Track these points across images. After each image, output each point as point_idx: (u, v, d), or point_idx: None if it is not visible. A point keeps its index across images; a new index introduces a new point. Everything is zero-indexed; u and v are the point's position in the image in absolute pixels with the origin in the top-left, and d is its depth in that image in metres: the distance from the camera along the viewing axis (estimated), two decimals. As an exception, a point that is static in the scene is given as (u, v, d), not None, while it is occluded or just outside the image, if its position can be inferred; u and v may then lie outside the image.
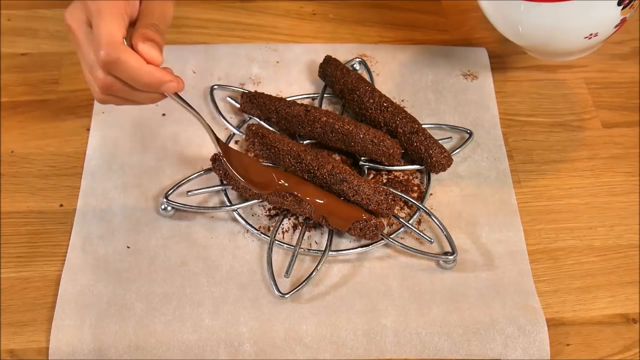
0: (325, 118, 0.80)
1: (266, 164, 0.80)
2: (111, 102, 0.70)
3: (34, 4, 0.97)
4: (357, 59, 0.91)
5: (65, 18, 0.68)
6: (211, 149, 0.83)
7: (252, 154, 0.82)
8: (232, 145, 0.84)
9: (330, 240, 0.76)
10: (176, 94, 0.69)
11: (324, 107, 0.87)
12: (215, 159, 0.78)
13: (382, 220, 0.76)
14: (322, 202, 0.75)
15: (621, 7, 0.75)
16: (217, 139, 0.75)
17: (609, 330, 0.73)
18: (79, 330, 0.70)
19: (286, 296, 0.72)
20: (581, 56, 0.85)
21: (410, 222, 0.77)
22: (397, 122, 0.81)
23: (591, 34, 0.77)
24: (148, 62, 0.65)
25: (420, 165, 0.81)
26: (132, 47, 0.66)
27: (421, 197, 0.80)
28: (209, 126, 0.74)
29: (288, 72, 0.91)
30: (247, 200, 0.78)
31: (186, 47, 0.93)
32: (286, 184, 0.76)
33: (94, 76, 0.67)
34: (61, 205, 0.79)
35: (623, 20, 0.77)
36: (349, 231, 0.75)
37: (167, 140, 0.84)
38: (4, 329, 0.71)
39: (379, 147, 0.79)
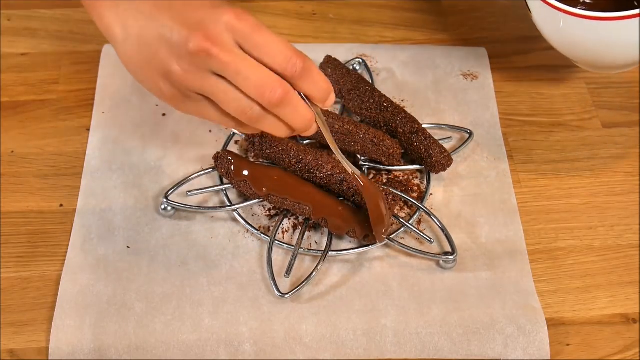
0: (325, 118, 0.80)
1: (265, 163, 0.80)
2: (247, 130, 0.67)
3: (34, 4, 0.97)
4: (357, 59, 0.91)
5: (200, 45, 0.60)
6: (212, 147, 0.83)
7: (252, 154, 0.82)
8: (232, 145, 0.84)
9: (330, 240, 0.76)
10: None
11: (324, 107, 0.87)
12: (217, 157, 0.79)
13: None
14: (323, 203, 0.75)
15: None
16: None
17: (609, 330, 0.73)
18: (79, 330, 0.70)
19: (286, 296, 0.72)
20: (628, 69, 0.85)
21: (410, 222, 0.77)
22: (397, 122, 0.81)
23: None
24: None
25: (420, 165, 0.81)
26: None
27: (421, 197, 0.80)
28: (339, 151, 0.70)
29: (288, 72, 0.91)
30: (247, 200, 0.78)
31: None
32: (285, 185, 0.76)
33: (261, 93, 0.61)
34: (61, 205, 0.79)
35: None
36: (348, 234, 0.75)
37: (167, 140, 0.84)
38: (4, 329, 0.71)
39: (379, 147, 0.79)
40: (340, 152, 0.70)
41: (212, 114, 0.66)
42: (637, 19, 0.73)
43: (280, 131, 0.65)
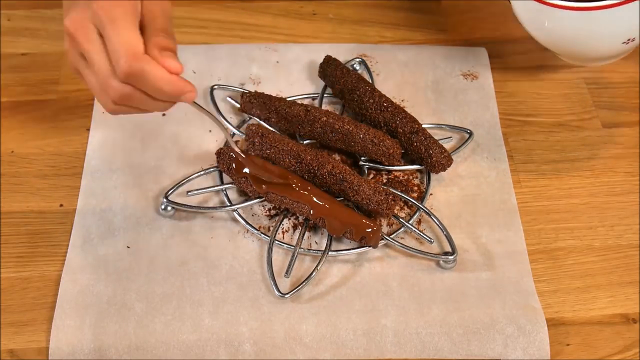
0: (325, 118, 0.80)
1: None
2: (123, 112, 0.68)
3: (34, 4, 0.97)
4: (357, 59, 0.91)
5: (65, 25, 0.65)
6: (212, 147, 0.83)
7: (252, 154, 0.82)
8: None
9: (330, 240, 0.76)
10: (194, 102, 0.68)
11: (324, 107, 0.87)
12: (219, 153, 0.79)
13: (379, 227, 0.75)
14: (321, 204, 0.75)
15: None
16: (235, 142, 0.75)
17: (609, 330, 0.73)
18: (79, 330, 0.70)
19: (286, 296, 0.72)
20: (615, 60, 0.85)
21: (410, 222, 0.77)
22: (397, 122, 0.81)
23: (629, 39, 0.77)
24: (169, 72, 0.64)
25: (420, 165, 0.81)
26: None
27: (421, 197, 0.80)
28: (227, 129, 0.73)
29: (288, 72, 0.91)
30: (247, 200, 0.78)
31: (186, 47, 0.92)
32: (285, 184, 0.76)
33: (107, 86, 0.65)
34: (61, 205, 0.79)
35: None
36: (345, 235, 0.75)
37: (167, 140, 0.84)
38: (4, 329, 0.71)
39: (379, 147, 0.79)
40: (227, 133, 0.74)
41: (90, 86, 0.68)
42: (622, 6, 0.74)
43: (146, 111, 0.69)
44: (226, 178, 0.80)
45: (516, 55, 0.93)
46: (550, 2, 0.76)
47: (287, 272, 0.73)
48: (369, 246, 0.75)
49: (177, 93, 0.65)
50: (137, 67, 0.62)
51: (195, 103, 0.69)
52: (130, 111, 0.68)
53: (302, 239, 0.76)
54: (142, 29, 0.65)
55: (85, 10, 0.64)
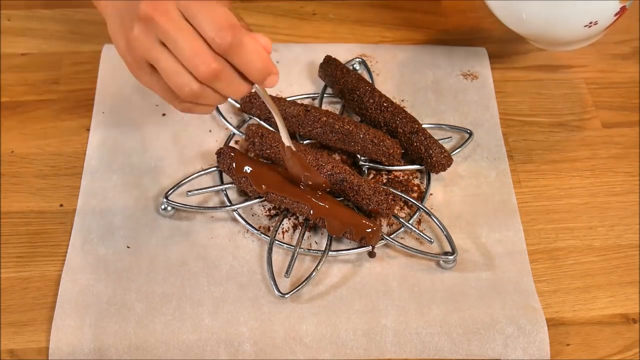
0: (325, 118, 0.80)
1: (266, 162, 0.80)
2: (201, 99, 0.65)
3: (34, 4, 0.97)
4: (357, 59, 0.91)
5: (142, 9, 0.61)
6: (212, 147, 0.83)
7: (252, 154, 0.82)
8: (232, 144, 0.84)
9: (330, 240, 0.76)
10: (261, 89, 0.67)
11: (324, 107, 0.87)
12: (220, 153, 0.79)
13: (379, 227, 0.75)
14: (321, 204, 0.75)
15: None
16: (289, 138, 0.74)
17: (609, 330, 0.73)
18: (79, 330, 0.70)
19: (286, 296, 0.72)
20: (584, 45, 0.85)
21: (410, 222, 0.77)
22: (397, 122, 0.81)
23: (591, 22, 0.77)
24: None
25: (420, 165, 0.81)
26: None
27: (421, 197, 0.80)
28: (284, 124, 0.72)
29: (288, 72, 0.91)
30: (247, 200, 0.78)
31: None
32: (285, 184, 0.76)
33: (196, 63, 0.61)
34: (61, 205, 0.79)
35: (623, 9, 0.78)
36: (345, 235, 0.75)
37: (167, 140, 0.84)
38: (4, 329, 0.71)
39: (379, 147, 0.79)
40: (282, 122, 0.71)
41: (158, 87, 0.66)
42: None
43: (215, 101, 0.66)
44: (226, 178, 0.80)
45: (516, 55, 0.93)
46: None
47: (287, 272, 0.73)
48: (369, 246, 0.75)
49: (267, 70, 0.63)
50: (238, 37, 0.60)
51: (264, 90, 0.67)
52: (206, 100, 0.65)
53: (302, 239, 0.76)
54: None
55: None
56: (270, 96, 0.69)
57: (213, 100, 0.65)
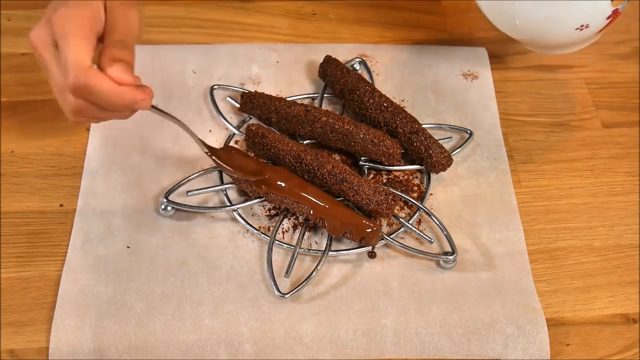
0: (325, 118, 0.80)
1: (265, 161, 0.80)
2: (85, 122, 0.69)
3: (34, 4, 0.97)
4: (357, 59, 0.91)
5: (30, 39, 0.65)
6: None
7: (252, 154, 0.82)
8: (232, 145, 0.84)
9: (330, 240, 0.76)
10: (153, 107, 0.69)
11: (324, 107, 0.87)
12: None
13: (379, 227, 0.75)
14: (321, 204, 0.75)
15: None
16: (201, 141, 0.76)
17: (609, 330, 0.73)
18: (79, 330, 0.70)
19: (286, 296, 0.72)
20: (579, 48, 0.85)
21: (410, 222, 0.77)
22: (397, 122, 0.81)
23: (582, 26, 0.77)
24: (119, 83, 0.64)
25: (420, 165, 0.81)
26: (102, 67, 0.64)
27: (421, 197, 0.80)
28: (190, 129, 0.74)
29: (288, 72, 0.91)
30: (247, 200, 0.78)
31: (186, 47, 0.93)
32: (284, 185, 0.76)
33: (64, 99, 0.65)
34: (61, 205, 0.79)
35: (615, 12, 0.77)
36: (345, 235, 0.75)
37: (167, 140, 0.84)
38: (4, 329, 0.71)
39: (379, 147, 0.79)
40: (191, 132, 0.74)
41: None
42: None
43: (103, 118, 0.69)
44: (226, 178, 0.80)
45: (516, 55, 0.93)
46: None
47: (287, 272, 0.73)
48: (369, 246, 0.75)
49: (126, 104, 0.65)
50: (82, 81, 0.62)
51: (155, 107, 0.69)
52: (91, 121, 0.69)
53: (302, 239, 0.76)
54: (103, 40, 0.66)
55: (46, 25, 0.65)
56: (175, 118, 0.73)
57: (103, 119, 0.69)
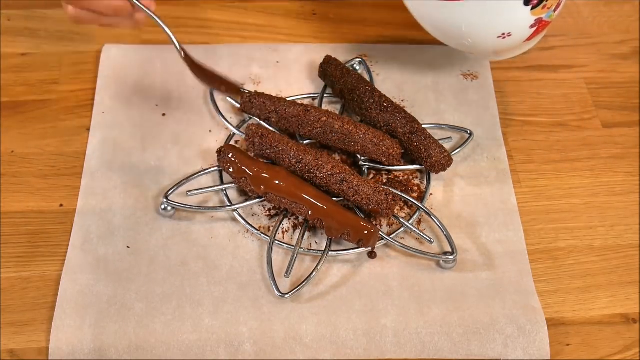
0: (325, 118, 0.80)
1: (264, 160, 0.80)
2: (81, 17, 0.72)
3: (34, 4, 0.97)
4: (357, 59, 0.91)
5: None
6: (212, 147, 0.83)
7: (252, 154, 0.82)
8: (232, 144, 0.84)
9: (330, 241, 0.76)
10: None
11: (324, 107, 0.87)
12: (220, 151, 0.79)
13: (376, 230, 0.75)
14: (319, 205, 0.75)
15: (530, 7, 0.74)
16: (181, 46, 0.78)
17: (609, 330, 0.73)
18: (79, 330, 0.70)
19: (286, 296, 0.72)
20: (512, 56, 0.84)
21: (410, 222, 0.77)
22: (397, 122, 0.81)
23: (504, 34, 0.77)
24: None
25: (420, 165, 0.81)
26: None
27: (421, 197, 0.80)
28: (171, 33, 0.77)
29: (288, 72, 0.91)
30: (247, 200, 0.78)
31: (186, 47, 0.92)
32: (282, 185, 0.76)
33: None
34: (61, 205, 0.79)
35: (540, 22, 0.77)
36: (342, 237, 0.75)
37: (167, 140, 0.84)
38: (4, 329, 0.71)
39: (379, 147, 0.79)
40: (172, 34, 0.78)
41: None
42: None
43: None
44: (226, 178, 0.80)
45: (516, 55, 0.93)
46: None
47: (287, 272, 0.73)
48: (367, 248, 0.75)
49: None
50: None
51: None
52: (88, 17, 0.72)
53: (302, 239, 0.76)
54: None
55: None
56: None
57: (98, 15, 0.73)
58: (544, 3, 0.74)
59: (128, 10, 0.72)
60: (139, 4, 0.73)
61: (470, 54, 0.86)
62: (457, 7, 0.75)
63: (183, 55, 0.78)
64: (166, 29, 0.76)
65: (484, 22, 0.76)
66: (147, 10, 0.75)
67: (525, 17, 0.75)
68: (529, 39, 0.79)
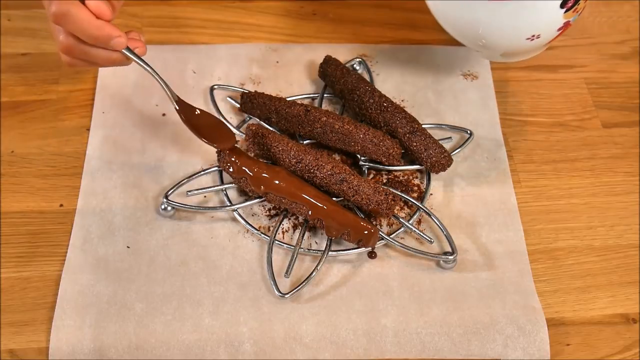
0: (325, 118, 0.80)
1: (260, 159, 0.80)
2: (77, 64, 0.73)
3: (34, 4, 0.97)
4: (357, 59, 0.91)
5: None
6: (211, 148, 0.83)
7: (252, 154, 0.82)
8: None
9: (330, 240, 0.76)
10: (130, 51, 0.72)
11: (324, 107, 0.87)
12: (220, 151, 0.78)
13: (376, 230, 0.75)
14: (319, 205, 0.75)
15: (564, 10, 0.75)
16: (176, 96, 0.77)
17: (609, 330, 0.73)
18: (79, 330, 0.70)
19: (286, 296, 0.72)
20: (526, 58, 0.84)
21: (410, 222, 0.77)
22: (397, 122, 0.81)
23: (533, 36, 0.77)
24: (98, 17, 0.69)
25: (420, 165, 0.81)
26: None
27: (421, 197, 0.80)
28: (165, 83, 0.76)
29: (288, 72, 0.91)
30: (247, 200, 0.78)
31: (186, 47, 0.93)
32: (282, 185, 0.76)
33: (56, 37, 0.71)
34: (61, 205, 0.79)
35: (566, 24, 0.77)
36: (342, 237, 0.75)
37: (167, 140, 0.84)
38: (4, 329, 0.71)
39: (379, 147, 0.79)
40: (164, 83, 0.77)
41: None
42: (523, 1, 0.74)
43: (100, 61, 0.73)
44: (226, 178, 0.81)
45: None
46: None
47: (287, 272, 0.73)
48: (367, 248, 0.75)
49: (103, 37, 0.70)
50: (62, 9, 0.67)
51: (131, 51, 0.73)
52: (81, 64, 0.73)
53: (302, 239, 0.76)
54: None
55: None
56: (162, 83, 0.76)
57: (92, 63, 0.74)
58: (576, 6, 0.75)
59: (122, 60, 0.73)
60: (134, 59, 0.73)
61: (477, 53, 0.86)
62: (495, 7, 0.75)
63: (177, 108, 0.77)
64: (160, 81, 0.76)
65: (519, 23, 0.76)
66: (142, 64, 0.74)
67: (558, 19, 0.76)
68: (549, 42, 0.79)
